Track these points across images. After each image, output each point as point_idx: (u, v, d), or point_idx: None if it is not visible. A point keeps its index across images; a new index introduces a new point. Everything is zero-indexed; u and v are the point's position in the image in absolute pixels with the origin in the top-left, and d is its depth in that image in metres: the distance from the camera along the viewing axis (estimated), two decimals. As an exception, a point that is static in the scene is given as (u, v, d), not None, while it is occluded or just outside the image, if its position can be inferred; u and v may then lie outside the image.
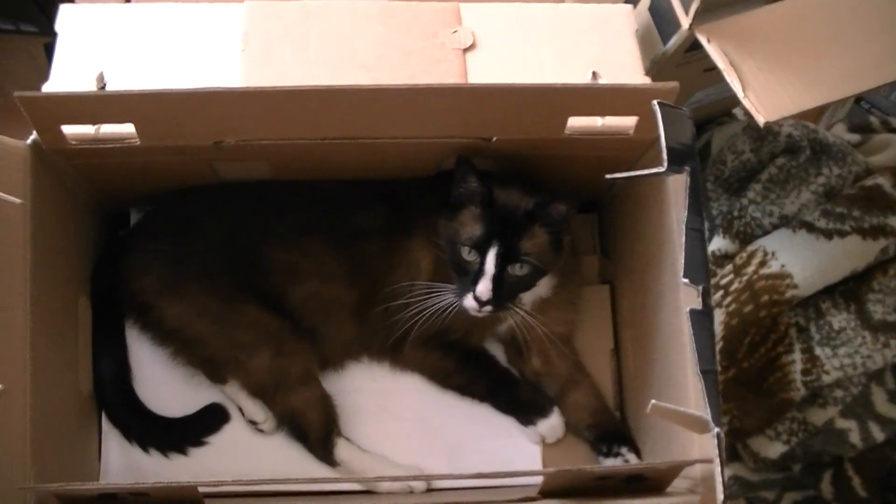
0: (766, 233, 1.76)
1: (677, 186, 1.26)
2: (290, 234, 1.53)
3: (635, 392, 1.61)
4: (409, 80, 1.34)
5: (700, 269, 1.15)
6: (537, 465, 1.59)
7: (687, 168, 1.12)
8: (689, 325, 1.06)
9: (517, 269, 1.40)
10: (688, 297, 1.12)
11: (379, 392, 1.63)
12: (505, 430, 1.62)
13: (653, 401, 1.10)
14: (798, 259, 1.67)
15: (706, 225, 1.25)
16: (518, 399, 1.59)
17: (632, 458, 1.52)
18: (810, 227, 1.72)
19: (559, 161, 1.47)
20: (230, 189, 1.58)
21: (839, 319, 1.68)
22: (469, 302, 1.39)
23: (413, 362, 1.60)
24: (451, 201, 1.44)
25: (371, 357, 1.62)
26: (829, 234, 1.71)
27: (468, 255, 1.39)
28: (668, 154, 1.10)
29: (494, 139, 1.37)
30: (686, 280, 1.11)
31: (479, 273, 1.38)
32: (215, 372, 1.56)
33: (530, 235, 1.40)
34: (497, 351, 1.67)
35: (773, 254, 1.71)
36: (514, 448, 1.61)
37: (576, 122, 1.34)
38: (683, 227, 1.12)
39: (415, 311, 1.44)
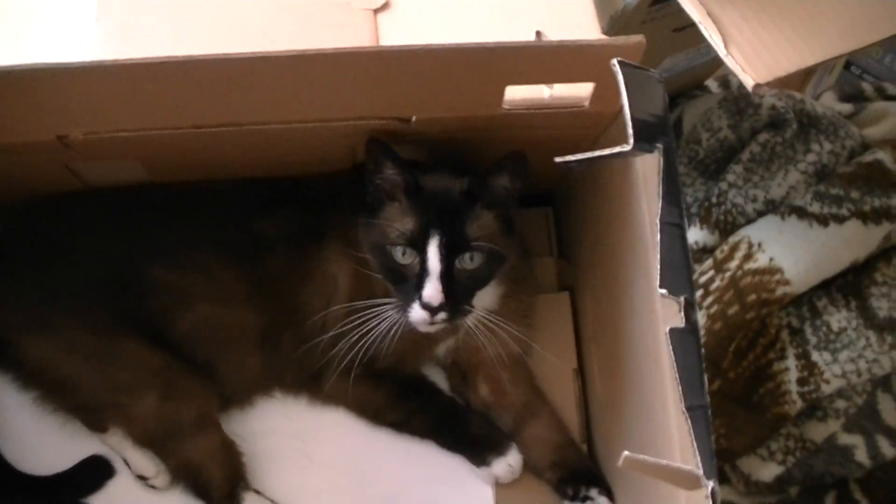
0: (750, 221, 1.64)
1: (647, 170, 1.13)
2: (176, 249, 1.37)
3: (605, 420, 1.45)
4: (307, 50, 1.15)
5: (681, 275, 0.99)
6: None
7: (659, 146, 0.96)
8: (668, 346, 0.92)
9: (468, 261, 1.24)
10: (666, 311, 1.01)
11: (297, 433, 1.47)
12: (452, 472, 1.45)
13: (625, 453, 0.92)
14: (789, 250, 1.55)
15: (685, 218, 1.06)
16: (468, 434, 1.43)
17: (602, 501, 1.37)
18: (802, 213, 1.59)
19: (498, 144, 1.28)
20: (101, 197, 1.42)
21: (838, 318, 1.56)
22: (417, 314, 1.23)
23: (336, 396, 1.44)
24: (368, 199, 1.29)
25: (285, 391, 1.46)
26: (824, 220, 1.58)
27: (403, 256, 1.24)
28: (635, 128, 0.93)
29: (414, 119, 1.19)
30: (663, 291, 0.97)
31: (423, 274, 1.22)
32: (93, 419, 1.39)
33: (475, 217, 1.25)
34: (438, 377, 1.51)
35: (760, 245, 1.58)
36: (462, 493, 1.45)
37: (516, 94, 1.17)
38: (657, 221, 0.96)
39: (345, 339, 1.29)
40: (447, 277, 1.22)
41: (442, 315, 1.23)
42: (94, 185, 1.39)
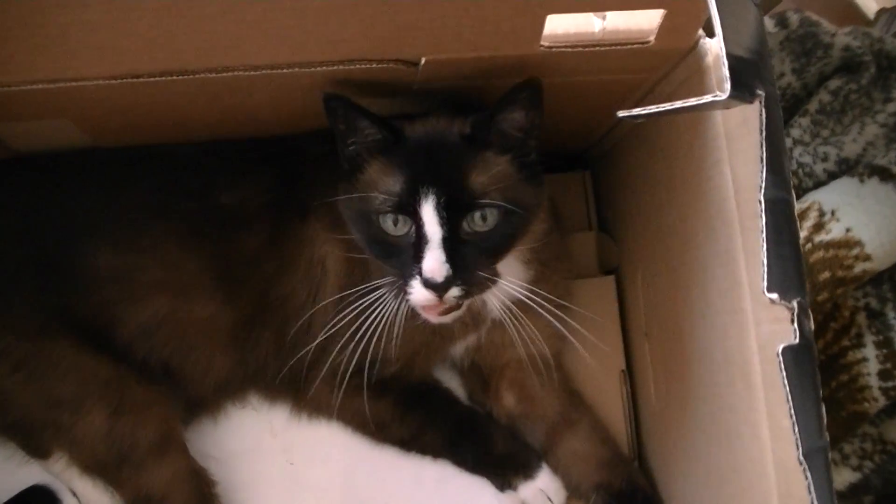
0: (820, 184, 1.51)
1: (733, 125, 0.92)
2: (122, 228, 1.24)
3: (661, 433, 1.29)
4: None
5: (792, 270, 0.81)
6: None
7: (760, 93, 0.80)
8: (781, 369, 0.77)
9: (478, 222, 1.04)
10: (761, 312, 0.88)
11: (282, 450, 1.34)
12: (472, 497, 1.30)
13: None
14: (870, 219, 1.41)
15: (792, 192, 0.86)
16: (490, 452, 1.28)
17: None
18: (885, 174, 1.44)
19: None
20: (25, 166, 1.27)
21: None
22: (420, 294, 1.03)
23: (327, 408, 1.29)
24: (344, 166, 1.10)
25: (263, 396, 1.34)
26: None
27: (395, 226, 1.05)
28: (731, 68, 0.75)
29: (423, 62, 0.97)
30: (773, 295, 0.79)
31: (420, 244, 1.03)
32: (32, 442, 1.27)
33: (482, 166, 1.05)
34: (452, 383, 1.36)
35: (834, 213, 1.43)
36: None
37: (559, 27, 0.95)
38: (760, 198, 0.80)
39: (338, 342, 1.15)
40: (452, 243, 1.02)
41: (454, 292, 1.03)
42: (22, 153, 1.25)
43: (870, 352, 1.45)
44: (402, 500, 1.32)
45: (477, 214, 1.04)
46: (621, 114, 0.79)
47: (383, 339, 1.10)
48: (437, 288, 1.02)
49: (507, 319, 1.16)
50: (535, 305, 1.23)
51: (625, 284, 1.41)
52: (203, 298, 1.24)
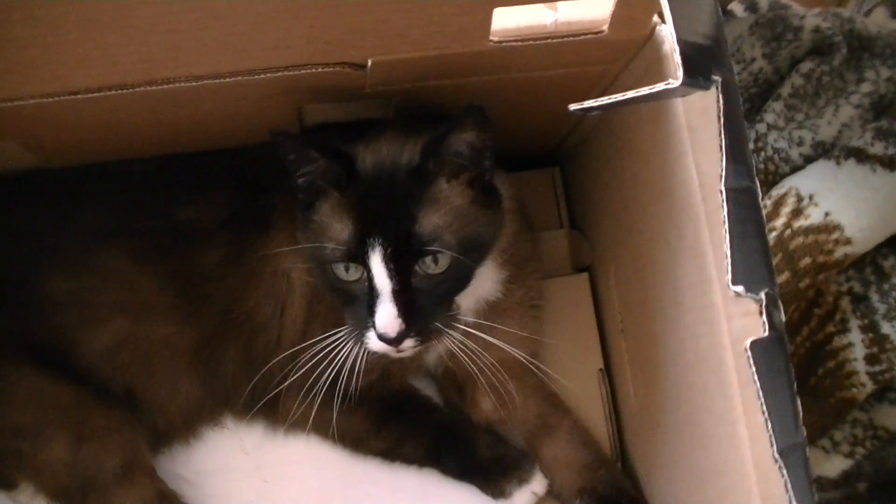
0: (796, 169, 1.51)
1: (694, 115, 0.89)
2: (76, 249, 1.20)
3: (643, 433, 1.25)
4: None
5: (758, 262, 0.79)
6: None
7: (716, 79, 0.79)
8: (734, 356, 0.81)
9: (431, 265, 1.02)
10: (732, 306, 0.84)
11: (255, 468, 1.30)
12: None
13: None
14: (848, 202, 1.41)
15: (756, 180, 0.85)
16: (475, 458, 1.24)
17: None
18: (861, 156, 1.44)
19: (486, 92, 1.05)
20: None
21: None
22: (375, 344, 1.03)
23: (303, 422, 1.24)
24: (300, 197, 1.08)
25: (237, 416, 1.29)
26: (890, 163, 1.43)
27: (348, 272, 1.04)
28: (683, 55, 0.74)
29: (371, 64, 0.94)
30: (738, 288, 0.78)
31: (373, 296, 1.01)
32: None
33: (430, 202, 1.02)
34: (429, 390, 1.33)
35: (812, 198, 1.43)
36: None
37: (508, 20, 0.93)
38: (722, 187, 0.79)
39: (304, 359, 1.11)
40: (403, 295, 1.01)
41: (409, 343, 1.04)
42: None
43: (855, 337, 1.45)
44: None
45: (428, 259, 1.03)
46: (573, 107, 0.77)
47: (352, 356, 1.08)
48: (391, 342, 1.02)
49: (465, 348, 1.14)
50: (508, 307, 1.22)
51: (599, 281, 1.39)
52: (162, 318, 1.22)
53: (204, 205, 1.22)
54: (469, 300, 1.17)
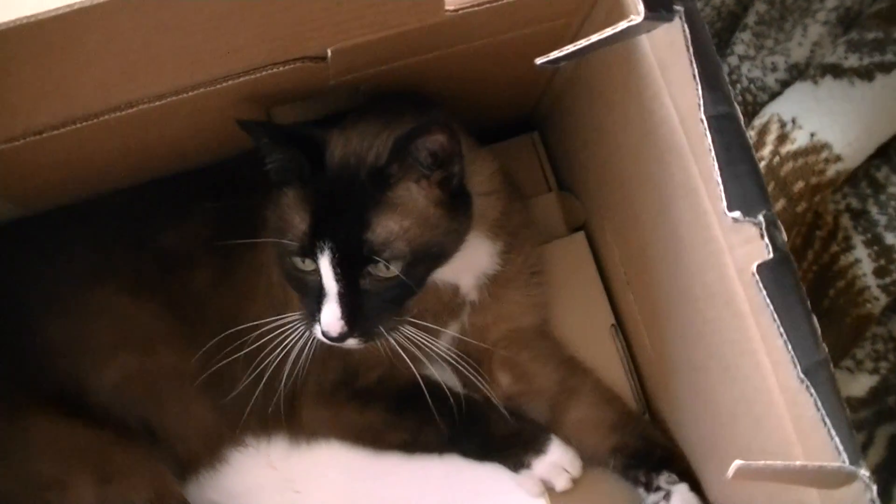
0: (775, 95, 1.51)
1: (663, 51, 0.87)
2: (67, 294, 1.19)
3: (664, 381, 1.23)
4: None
5: (751, 184, 0.77)
6: None
7: (679, 9, 0.78)
8: (760, 286, 0.74)
9: (382, 270, 1.00)
10: (732, 235, 0.82)
11: (284, 480, 1.28)
12: (488, 486, 1.23)
13: (737, 463, 0.70)
14: (832, 120, 1.42)
15: (735, 105, 0.83)
16: (493, 436, 1.22)
17: (681, 491, 1.16)
18: (837, 71, 1.44)
19: (451, 66, 1.04)
20: None
21: None
22: (320, 336, 1.03)
23: (322, 427, 1.24)
24: (272, 179, 1.06)
25: (258, 433, 1.27)
26: (867, 74, 1.43)
27: (304, 264, 1.03)
28: None
29: (330, 53, 0.90)
30: (735, 213, 0.77)
31: (321, 292, 1.01)
32: None
33: (388, 207, 1.00)
34: (444, 374, 1.26)
35: (795, 121, 1.44)
36: None
37: None
38: (702, 116, 0.77)
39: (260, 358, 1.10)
40: (349, 297, 1.01)
41: (352, 342, 1.04)
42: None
43: (861, 252, 1.45)
44: (417, 500, 1.27)
45: (380, 264, 1.01)
46: (539, 61, 0.75)
47: (301, 341, 1.08)
48: (333, 340, 1.02)
49: (485, 298, 1.14)
50: (510, 278, 1.20)
51: (596, 238, 1.37)
52: (165, 347, 1.20)
53: (186, 228, 1.20)
54: (469, 277, 1.16)
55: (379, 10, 0.85)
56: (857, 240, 1.46)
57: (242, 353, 1.12)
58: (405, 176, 0.99)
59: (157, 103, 0.90)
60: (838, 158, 1.41)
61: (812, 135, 1.41)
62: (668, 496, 1.15)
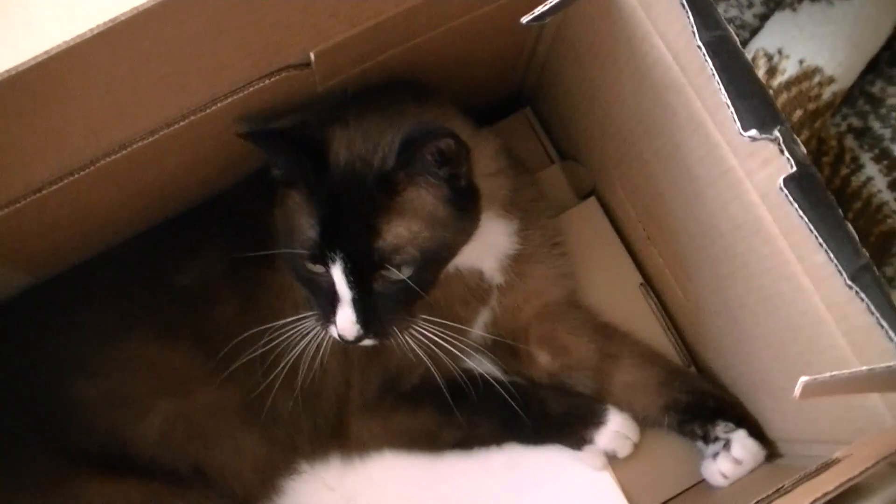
0: (756, 31, 1.50)
1: None
2: (95, 350, 1.15)
3: (704, 330, 1.21)
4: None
5: (762, 103, 0.75)
6: (616, 493, 1.21)
7: None
8: (792, 202, 0.72)
9: (394, 273, 0.99)
10: (748, 160, 0.80)
11: (345, 500, 1.25)
12: (551, 469, 1.21)
13: (802, 379, 0.67)
14: (818, 43, 1.40)
15: (728, 28, 0.79)
16: (548, 417, 1.19)
17: (739, 437, 1.14)
18: None
19: (436, 52, 1.01)
20: None
21: None
22: (336, 336, 1.03)
23: (374, 438, 1.22)
24: (279, 179, 1.05)
25: (311, 457, 1.23)
26: None
27: (315, 266, 1.01)
28: None
29: (314, 57, 0.88)
30: (752, 132, 0.74)
31: (335, 296, 1.01)
32: None
33: (397, 213, 0.98)
34: (484, 365, 1.25)
35: (781, 52, 1.42)
36: (577, 486, 1.21)
37: None
38: (698, 43, 0.75)
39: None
40: (363, 302, 1.01)
41: (367, 342, 1.04)
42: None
43: (871, 169, 1.45)
44: (483, 495, 1.24)
45: (389, 273, 1.00)
46: (525, 19, 0.74)
47: (316, 340, 1.07)
48: (349, 343, 1.02)
49: (511, 279, 1.13)
50: (531, 254, 1.18)
51: (608, 200, 1.34)
52: (202, 386, 1.17)
53: (199, 262, 1.18)
54: (491, 260, 1.14)
55: (353, 3, 0.83)
56: (865, 157, 1.45)
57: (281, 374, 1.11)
58: (413, 179, 0.98)
59: (150, 139, 0.88)
60: (831, 80, 1.39)
61: (801, 62, 1.39)
62: (727, 445, 1.13)
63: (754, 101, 0.73)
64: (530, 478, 1.22)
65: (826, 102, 1.39)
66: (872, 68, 1.45)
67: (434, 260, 1.02)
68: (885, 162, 1.42)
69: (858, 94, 1.46)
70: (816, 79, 1.39)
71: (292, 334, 1.07)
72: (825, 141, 1.45)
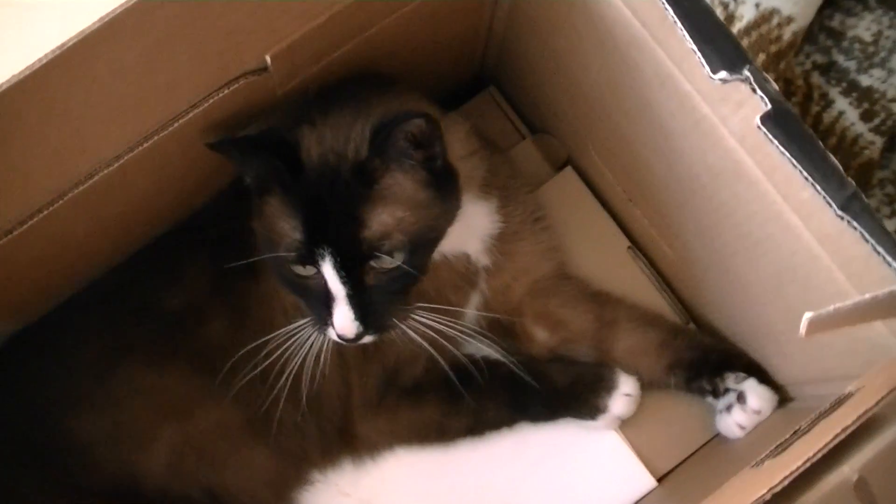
0: None
1: None
2: (89, 385, 1.14)
3: (699, 285, 1.21)
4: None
5: (727, 44, 0.74)
6: (631, 459, 1.19)
7: None
8: (771, 139, 0.72)
9: (386, 261, 0.98)
10: (729, 106, 0.78)
11: (364, 502, 1.24)
12: (566, 442, 1.21)
13: (806, 315, 0.65)
14: None
15: None
16: (556, 390, 1.18)
17: (750, 385, 1.12)
18: None
19: (394, 38, 0.99)
20: None
21: (866, 25, 1.45)
22: (335, 338, 1.02)
23: (382, 437, 1.21)
24: (253, 189, 1.03)
25: (322, 465, 1.22)
26: None
27: (304, 269, 0.99)
28: None
29: (269, 60, 0.87)
30: (721, 74, 0.73)
31: (329, 295, 0.99)
32: None
33: (378, 201, 0.97)
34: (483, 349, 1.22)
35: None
36: (590, 457, 1.21)
37: None
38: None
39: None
40: (358, 297, 0.99)
41: (368, 339, 1.02)
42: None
43: (842, 104, 1.44)
44: (505, 479, 1.23)
45: (382, 262, 0.99)
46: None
47: (316, 346, 1.06)
48: (349, 341, 1.01)
49: (498, 259, 1.13)
50: (515, 231, 1.17)
51: (585, 167, 1.33)
52: (204, 406, 1.16)
53: (183, 283, 1.17)
54: (475, 242, 1.13)
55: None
56: (834, 92, 1.44)
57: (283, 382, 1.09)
58: (389, 166, 0.97)
59: (116, 165, 0.86)
60: (790, 20, 1.38)
61: (757, 5, 1.38)
62: (740, 396, 1.12)
63: (720, 43, 0.72)
64: (543, 456, 1.21)
65: (787, 43, 1.39)
66: (830, 3, 1.43)
67: (422, 243, 1.01)
68: (855, 94, 1.42)
69: (818, 30, 1.44)
70: (775, 20, 1.38)
71: (290, 344, 1.05)
72: (792, 81, 1.43)
